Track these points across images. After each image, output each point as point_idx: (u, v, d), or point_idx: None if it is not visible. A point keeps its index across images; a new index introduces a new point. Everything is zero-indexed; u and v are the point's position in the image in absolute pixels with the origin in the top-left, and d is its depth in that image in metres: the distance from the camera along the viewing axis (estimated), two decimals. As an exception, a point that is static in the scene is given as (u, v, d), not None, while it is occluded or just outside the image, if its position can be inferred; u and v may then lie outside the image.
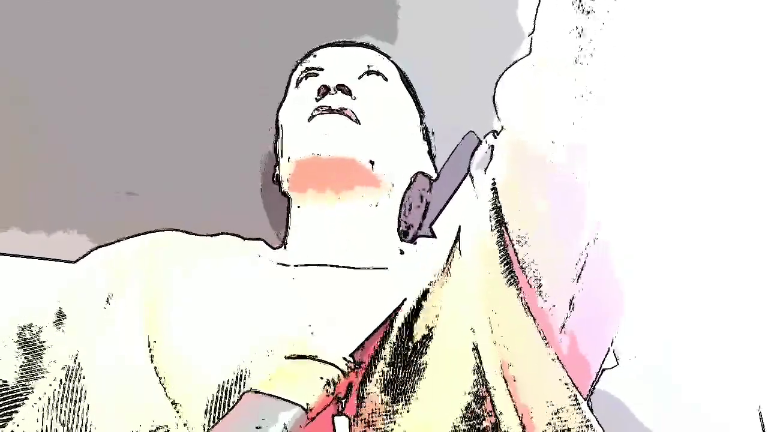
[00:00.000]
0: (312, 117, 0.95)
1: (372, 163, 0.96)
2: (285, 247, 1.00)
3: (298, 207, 0.99)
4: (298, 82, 1.03)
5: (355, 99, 0.97)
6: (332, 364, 0.79)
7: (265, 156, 1.12)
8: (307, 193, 0.97)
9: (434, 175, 1.07)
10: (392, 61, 1.06)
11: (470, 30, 1.19)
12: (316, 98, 0.97)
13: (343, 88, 0.96)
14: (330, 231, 0.96)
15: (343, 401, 0.80)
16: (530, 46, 0.81)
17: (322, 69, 1.01)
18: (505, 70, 0.85)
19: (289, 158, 0.97)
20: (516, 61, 0.85)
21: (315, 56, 1.04)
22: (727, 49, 0.86)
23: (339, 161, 0.94)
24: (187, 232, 0.99)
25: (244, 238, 1.01)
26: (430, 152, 1.08)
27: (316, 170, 0.95)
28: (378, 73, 1.02)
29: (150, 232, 0.98)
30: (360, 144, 0.95)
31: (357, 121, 0.96)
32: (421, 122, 1.07)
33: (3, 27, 1.17)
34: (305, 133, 0.95)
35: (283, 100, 1.05)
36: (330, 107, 0.95)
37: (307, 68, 1.03)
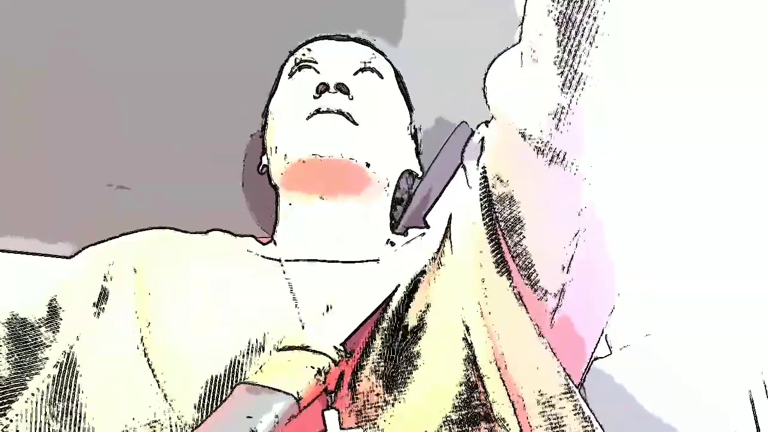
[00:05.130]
0: (311, 116, 0.95)
1: (368, 164, 0.96)
2: (274, 243, 1.00)
3: (290, 204, 0.99)
4: (292, 73, 1.02)
5: (352, 99, 0.96)
6: (323, 354, 0.79)
7: (248, 148, 1.12)
8: (301, 191, 0.97)
9: (420, 174, 1.07)
10: (387, 58, 1.05)
11: (465, 19, 1.18)
12: (314, 96, 0.96)
13: (342, 88, 0.96)
14: (320, 228, 0.96)
15: (333, 395, 0.80)
16: (520, 33, 0.81)
17: (316, 62, 1.01)
18: (495, 58, 0.85)
19: (285, 156, 0.96)
20: (506, 49, 0.84)
21: (309, 49, 1.03)
22: (723, 34, 0.86)
23: (337, 163, 0.94)
24: (178, 230, 0.99)
25: (235, 235, 1.01)
26: (417, 150, 1.07)
27: (313, 171, 0.94)
28: (373, 70, 1.02)
29: (142, 229, 0.98)
30: (358, 146, 0.95)
31: (354, 123, 0.95)
32: (411, 120, 1.06)
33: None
34: (304, 132, 0.95)
35: (273, 91, 1.04)
36: (328, 109, 0.94)
37: (302, 60, 1.02)
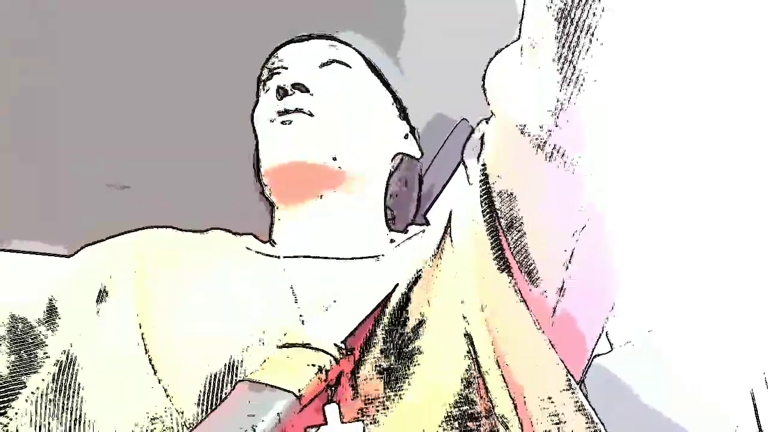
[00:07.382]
0: (272, 122, 0.96)
1: (334, 158, 0.95)
2: (272, 243, 1.00)
3: (279, 208, 1.00)
4: (264, 84, 1.03)
5: (312, 95, 0.96)
6: (324, 351, 0.79)
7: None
8: (282, 202, 0.98)
9: (419, 155, 1.06)
10: (355, 49, 1.05)
11: (464, 17, 1.18)
12: (277, 98, 0.96)
13: (300, 87, 0.96)
14: (314, 226, 0.96)
15: (333, 389, 0.80)
16: (519, 30, 0.81)
17: (285, 67, 1.01)
18: (495, 55, 0.85)
19: (261, 168, 0.99)
20: (506, 46, 0.84)
21: (277, 56, 1.03)
22: (718, 35, 0.86)
23: (298, 166, 0.94)
24: (178, 229, 0.99)
25: (234, 233, 1.01)
26: (412, 132, 1.06)
27: (279, 179, 0.96)
28: (338, 61, 1.02)
29: (142, 228, 0.98)
30: (316, 143, 0.95)
31: (310, 114, 0.95)
32: (396, 103, 1.05)
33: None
34: (267, 141, 0.97)
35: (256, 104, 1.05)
36: (286, 110, 0.95)
37: (270, 68, 1.03)
